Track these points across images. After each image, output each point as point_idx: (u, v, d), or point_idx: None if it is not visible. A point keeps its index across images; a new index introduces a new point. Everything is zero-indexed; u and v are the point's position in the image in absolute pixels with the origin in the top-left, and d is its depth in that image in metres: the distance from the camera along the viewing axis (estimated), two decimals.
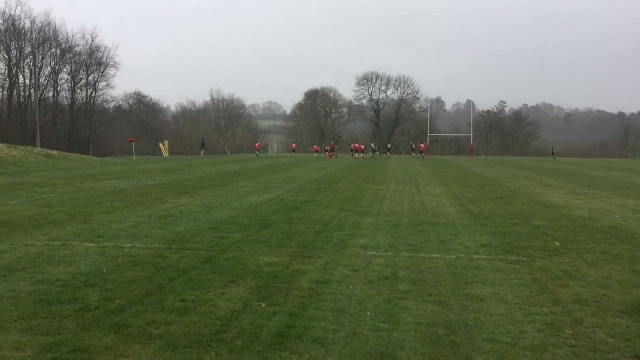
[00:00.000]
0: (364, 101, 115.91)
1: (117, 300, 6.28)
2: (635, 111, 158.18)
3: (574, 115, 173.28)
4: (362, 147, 64.52)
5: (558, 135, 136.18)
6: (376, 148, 73.60)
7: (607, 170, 38.75)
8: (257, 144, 73.27)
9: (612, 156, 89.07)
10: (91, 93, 75.71)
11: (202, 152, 64.64)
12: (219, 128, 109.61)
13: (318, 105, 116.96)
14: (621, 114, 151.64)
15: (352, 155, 62.83)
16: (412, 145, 74.75)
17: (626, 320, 5.92)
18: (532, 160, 63.88)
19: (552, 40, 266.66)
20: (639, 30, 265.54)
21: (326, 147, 69.42)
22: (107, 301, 6.25)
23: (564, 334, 5.49)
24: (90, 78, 75.19)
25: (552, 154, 66.45)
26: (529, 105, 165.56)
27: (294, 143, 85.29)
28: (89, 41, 73.89)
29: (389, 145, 73.88)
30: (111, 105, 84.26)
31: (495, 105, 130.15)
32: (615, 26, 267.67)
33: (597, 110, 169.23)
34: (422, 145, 67.97)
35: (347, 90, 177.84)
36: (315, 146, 74.18)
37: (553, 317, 5.97)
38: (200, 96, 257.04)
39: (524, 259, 8.82)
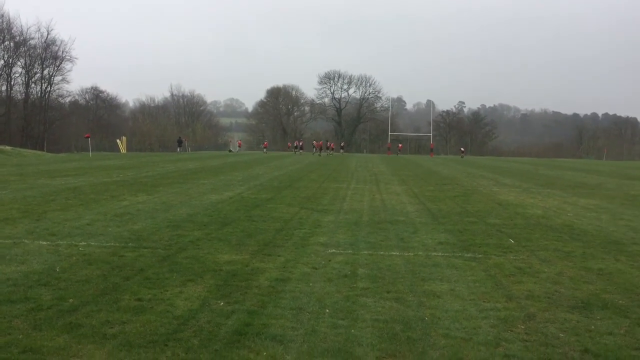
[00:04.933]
0: (326, 100, 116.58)
1: (71, 300, 6.13)
2: (589, 112, 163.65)
3: (530, 116, 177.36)
4: (320, 144, 69.27)
5: (515, 135, 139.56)
6: (342, 146, 77.13)
7: (561, 170, 39.90)
8: (238, 142, 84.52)
9: (566, 156, 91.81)
10: (46, 87, 73.75)
11: (178, 149, 65.09)
12: (179, 125, 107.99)
13: (280, 103, 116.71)
14: (575, 115, 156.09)
15: (313, 153, 64.64)
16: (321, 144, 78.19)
17: (576, 315, 6.11)
18: (489, 159, 65.25)
19: (509, 43, 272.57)
20: (592, 36, 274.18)
21: (296, 144, 74.17)
22: (60, 301, 6.10)
23: (517, 329, 5.63)
24: (46, 72, 73.29)
25: (462, 151, 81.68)
26: (487, 106, 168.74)
27: (266, 141, 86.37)
28: (45, 34, 71.91)
29: (342, 144, 76.83)
30: (67, 100, 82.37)
31: (455, 106, 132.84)
32: (569, 31, 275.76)
33: (553, 112, 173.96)
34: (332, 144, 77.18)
35: (310, 89, 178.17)
36: (266, 142, 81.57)
37: (506, 313, 6.12)
38: (159, 92, 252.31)
39: (480, 256, 9.01)
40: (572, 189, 22.67)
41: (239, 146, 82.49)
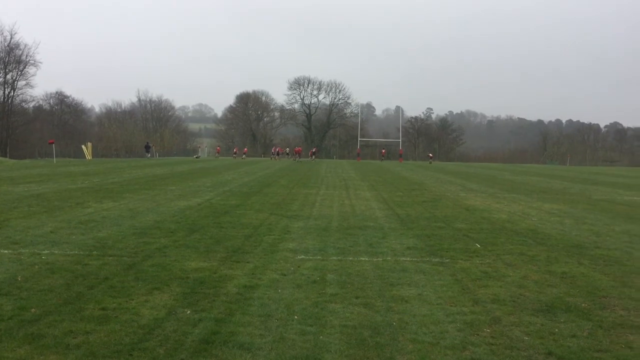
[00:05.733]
0: (296, 105, 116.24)
1: (33, 310, 5.98)
2: (553, 119, 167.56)
3: (496, 123, 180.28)
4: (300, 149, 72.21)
5: (481, 141, 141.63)
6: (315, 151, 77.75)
7: (526, 175, 40.65)
8: (217, 148, 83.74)
9: (531, 162, 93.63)
10: (9, 92, 71.74)
11: (148, 155, 64.54)
12: (147, 130, 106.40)
13: (250, 108, 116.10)
14: (540, 121, 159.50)
15: (294, 159, 66.85)
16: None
17: (541, 318, 6.22)
18: (457, 165, 66.11)
19: (475, 52, 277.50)
20: (556, 45, 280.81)
21: (274, 151, 75.87)
22: (21, 310, 5.95)
23: (483, 333, 5.70)
24: (9, 77, 71.24)
25: (430, 156, 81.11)
26: (454, 113, 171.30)
27: (238, 147, 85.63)
28: (8, 38, 70.10)
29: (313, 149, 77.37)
30: (31, 106, 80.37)
31: (423, 112, 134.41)
32: (533, 41, 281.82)
33: (518, 118, 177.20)
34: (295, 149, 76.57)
35: (279, 94, 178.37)
36: (236, 148, 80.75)
37: (473, 317, 6.20)
38: (126, 97, 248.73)
39: (447, 260, 9.11)
40: (537, 194, 23.12)
41: (218, 152, 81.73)
